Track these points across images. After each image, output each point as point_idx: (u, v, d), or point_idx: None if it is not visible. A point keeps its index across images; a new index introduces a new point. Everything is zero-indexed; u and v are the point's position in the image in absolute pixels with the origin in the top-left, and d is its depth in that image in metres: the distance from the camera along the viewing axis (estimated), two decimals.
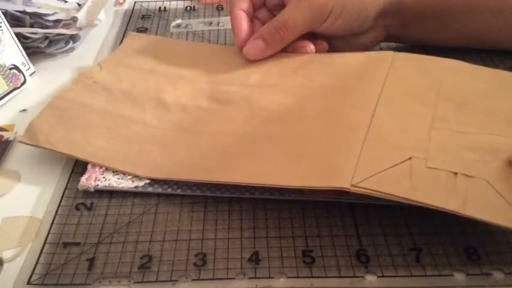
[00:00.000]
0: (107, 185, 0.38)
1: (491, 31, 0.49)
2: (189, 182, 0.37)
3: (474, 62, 0.51)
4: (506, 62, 0.51)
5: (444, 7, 0.48)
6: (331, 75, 0.44)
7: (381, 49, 0.52)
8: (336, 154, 0.35)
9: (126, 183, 0.38)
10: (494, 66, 0.50)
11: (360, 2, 0.46)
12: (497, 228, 0.30)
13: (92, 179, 0.38)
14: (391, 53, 0.45)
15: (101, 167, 0.39)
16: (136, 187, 0.38)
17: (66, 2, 0.55)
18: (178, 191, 0.37)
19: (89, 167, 0.39)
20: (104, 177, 0.38)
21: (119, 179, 0.38)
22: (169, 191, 0.37)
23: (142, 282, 0.32)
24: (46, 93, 0.50)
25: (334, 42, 0.49)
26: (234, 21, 0.47)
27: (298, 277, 0.32)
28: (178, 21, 0.60)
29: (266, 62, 0.46)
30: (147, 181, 0.38)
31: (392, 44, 0.52)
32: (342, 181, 0.32)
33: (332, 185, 0.33)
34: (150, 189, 0.37)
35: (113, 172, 0.39)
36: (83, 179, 0.38)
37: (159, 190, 0.37)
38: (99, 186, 0.38)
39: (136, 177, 0.38)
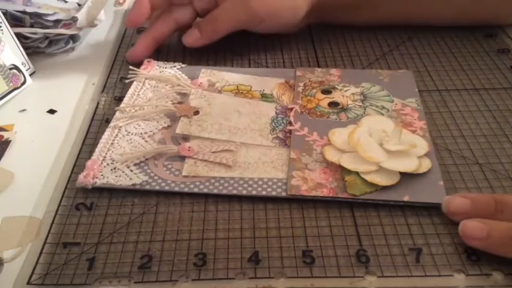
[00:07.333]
0: (105, 182, 0.38)
1: (399, 12, 0.55)
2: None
3: (476, 62, 0.51)
4: (506, 62, 0.51)
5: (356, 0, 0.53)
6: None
7: None
8: None
9: (124, 181, 0.38)
10: (495, 65, 0.51)
11: (293, 6, 0.50)
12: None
13: (90, 177, 0.38)
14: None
15: (100, 165, 0.39)
16: (134, 185, 0.38)
17: (66, 2, 0.55)
18: (176, 189, 0.37)
19: (88, 164, 0.39)
20: (102, 175, 0.38)
21: (116, 176, 0.38)
22: (166, 188, 0.37)
23: (142, 282, 0.32)
24: (46, 93, 0.50)
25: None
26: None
27: (298, 277, 0.32)
28: None
29: None
30: (145, 179, 0.38)
31: None
32: None
33: None
34: (147, 187, 0.38)
35: (111, 170, 0.39)
36: (81, 176, 0.38)
37: (157, 188, 0.37)
38: (97, 184, 0.38)
39: (134, 174, 0.38)
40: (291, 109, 0.45)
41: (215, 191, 0.37)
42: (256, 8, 0.49)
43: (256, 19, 0.50)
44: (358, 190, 0.36)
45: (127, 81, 0.49)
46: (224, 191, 0.37)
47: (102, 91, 0.49)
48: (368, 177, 0.37)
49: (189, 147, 0.41)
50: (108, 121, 0.44)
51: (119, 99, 0.47)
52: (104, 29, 0.60)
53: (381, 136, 0.40)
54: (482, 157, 0.40)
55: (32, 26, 0.53)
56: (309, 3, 0.51)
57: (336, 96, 0.46)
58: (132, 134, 0.43)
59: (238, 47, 0.54)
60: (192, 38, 0.52)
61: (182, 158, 0.40)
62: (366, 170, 0.37)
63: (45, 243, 0.34)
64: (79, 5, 0.56)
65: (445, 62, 0.52)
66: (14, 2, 0.52)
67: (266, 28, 0.52)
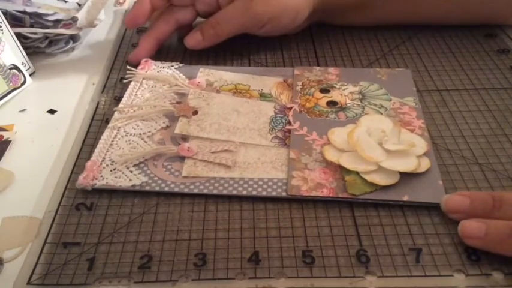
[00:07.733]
0: (105, 183, 0.38)
1: (400, 12, 0.55)
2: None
3: (476, 62, 0.51)
4: (506, 62, 0.51)
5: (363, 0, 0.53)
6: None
7: None
8: None
9: (123, 182, 0.38)
10: (495, 65, 0.51)
11: (295, 9, 0.50)
12: None
13: (89, 178, 0.38)
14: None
15: (99, 166, 0.39)
16: (133, 186, 0.38)
17: (66, 2, 0.55)
18: (176, 190, 0.37)
19: (87, 165, 0.39)
20: (101, 176, 0.38)
21: (116, 177, 0.38)
22: (166, 189, 0.37)
23: (142, 282, 0.32)
24: (46, 93, 0.50)
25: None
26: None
27: (298, 277, 0.32)
28: None
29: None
30: (145, 180, 0.38)
31: None
32: None
33: None
34: (147, 188, 0.38)
35: (111, 171, 0.39)
36: (81, 177, 0.38)
37: (157, 189, 0.37)
38: (97, 185, 0.38)
39: (134, 175, 0.38)
40: (290, 108, 0.45)
41: (215, 192, 0.37)
42: (260, 12, 0.49)
43: (259, 23, 0.50)
44: (357, 190, 0.36)
45: (125, 81, 0.49)
46: (224, 192, 0.37)
47: (102, 91, 0.49)
48: (368, 177, 0.37)
49: (189, 148, 0.41)
50: (108, 121, 0.44)
51: (119, 100, 0.47)
52: (104, 29, 0.60)
53: (380, 136, 0.40)
54: (482, 157, 0.40)
55: (32, 26, 0.53)
56: (310, 5, 0.51)
57: (335, 95, 0.46)
58: (131, 134, 0.43)
59: (238, 46, 0.54)
60: (194, 41, 0.52)
61: (182, 159, 0.40)
62: (365, 169, 0.37)
63: (45, 243, 0.34)
64: (79, 5, 0.56)
65: (445, 62, 0.52)
66: (14, 2, 0.53)
67: (268, 31, 0.52)
